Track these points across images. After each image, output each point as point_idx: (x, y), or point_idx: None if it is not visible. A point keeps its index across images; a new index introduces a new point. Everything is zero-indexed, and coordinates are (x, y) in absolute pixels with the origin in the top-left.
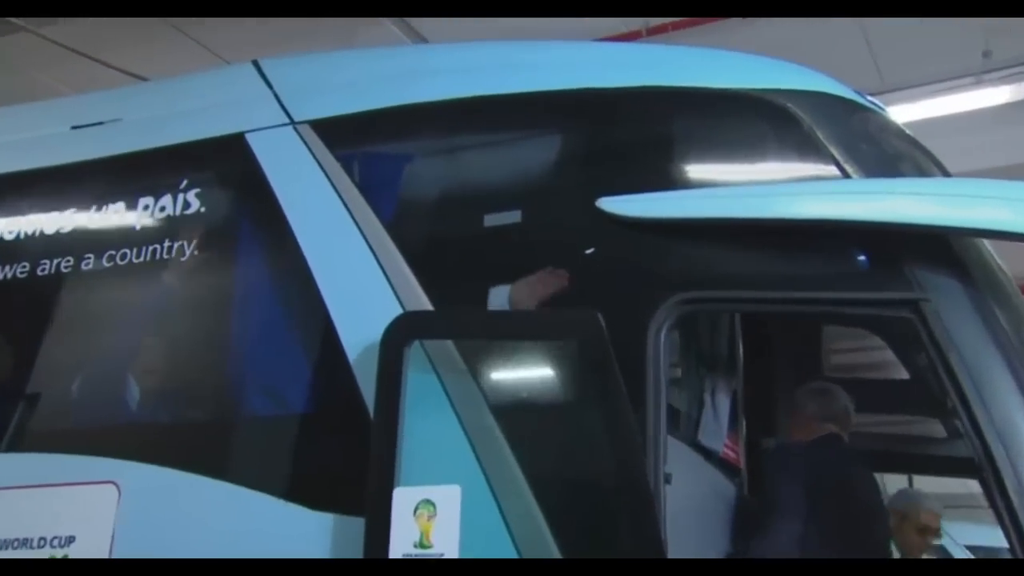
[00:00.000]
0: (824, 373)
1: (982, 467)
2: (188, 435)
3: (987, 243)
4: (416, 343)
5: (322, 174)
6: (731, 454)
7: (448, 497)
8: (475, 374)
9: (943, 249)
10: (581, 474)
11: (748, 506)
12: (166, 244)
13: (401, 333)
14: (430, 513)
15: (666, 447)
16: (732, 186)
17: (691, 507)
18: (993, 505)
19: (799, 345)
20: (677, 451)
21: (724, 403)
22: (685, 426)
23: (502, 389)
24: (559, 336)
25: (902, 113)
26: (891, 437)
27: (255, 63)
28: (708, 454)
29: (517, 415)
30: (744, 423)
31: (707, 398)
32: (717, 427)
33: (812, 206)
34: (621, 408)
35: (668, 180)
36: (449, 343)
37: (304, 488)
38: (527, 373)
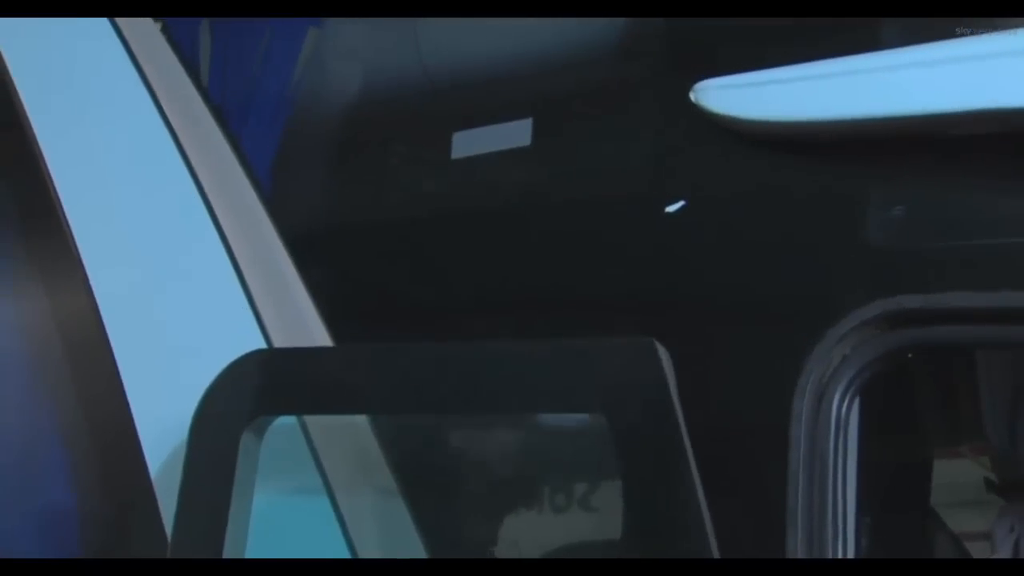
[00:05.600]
0: None
1: None
2: None
3: None
4: (273, 423)
5: (126, 58)
6: None
7: None
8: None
9: None
10: None
11: None
12: None
13: (234, 401)
14: None
15: None
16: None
17: None
18: None
19: None
20: None
21: None
22: None
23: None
24: (568, 400)
25: None
26: None
27: None
28: None
29: None
30: None
31: (999, 544)
32: None
33: None
34: (687, 533)
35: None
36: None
37: None
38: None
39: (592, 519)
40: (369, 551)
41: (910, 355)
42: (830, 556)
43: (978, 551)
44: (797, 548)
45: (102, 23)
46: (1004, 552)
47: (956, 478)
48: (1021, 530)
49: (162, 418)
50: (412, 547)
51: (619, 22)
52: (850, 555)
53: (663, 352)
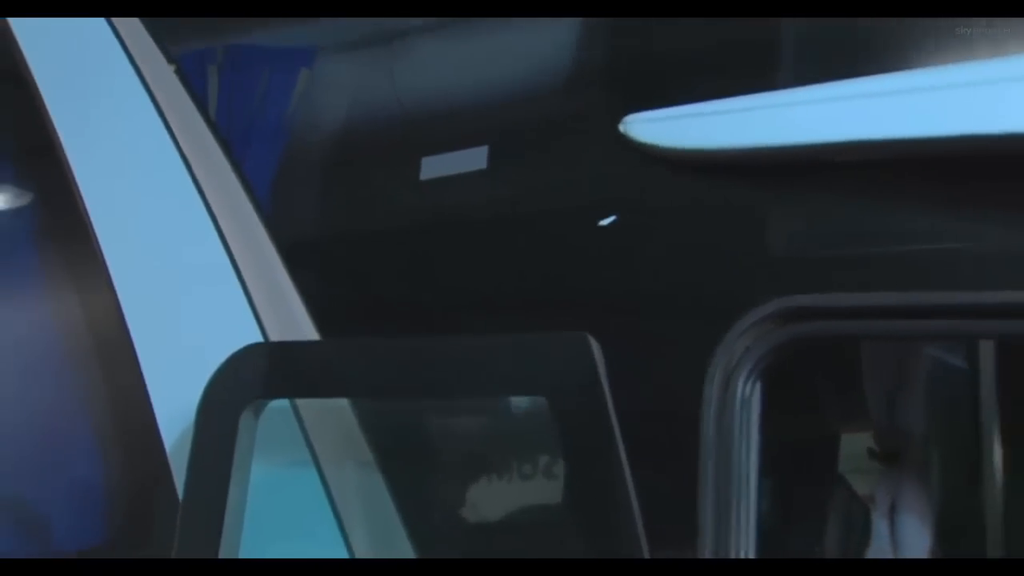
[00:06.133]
0: None
1: None
2: None
3: None
4: (270, 406)
5: (143, 92)
6: None
7: None
8: (384, 461)
9: None
10: None
11: None
12: None
13: (234, 387)
14: None
15: None
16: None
17: None
18: None
19: None
20: None
21: (917, 532)
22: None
23: (424, 487)
24: (513, 385)
25: None
26: None
27: None
28: None
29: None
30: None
31: (880, 523)
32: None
33: None
34: (615, 517)
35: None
36: (344, 404)
37: None
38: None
39: (549, 486)
40: (351, 514)
41: (804, 346)
42: (735, 518)
43: (863, 510)
44: (708, 510)
45: (126, 67)
46: (881, 510)
47: (847, 449)
48: (895, 493)
49: (176, 402)
50: (388, 511)
51: (562, 65)
52: (752, 516)
53: (595, 344)
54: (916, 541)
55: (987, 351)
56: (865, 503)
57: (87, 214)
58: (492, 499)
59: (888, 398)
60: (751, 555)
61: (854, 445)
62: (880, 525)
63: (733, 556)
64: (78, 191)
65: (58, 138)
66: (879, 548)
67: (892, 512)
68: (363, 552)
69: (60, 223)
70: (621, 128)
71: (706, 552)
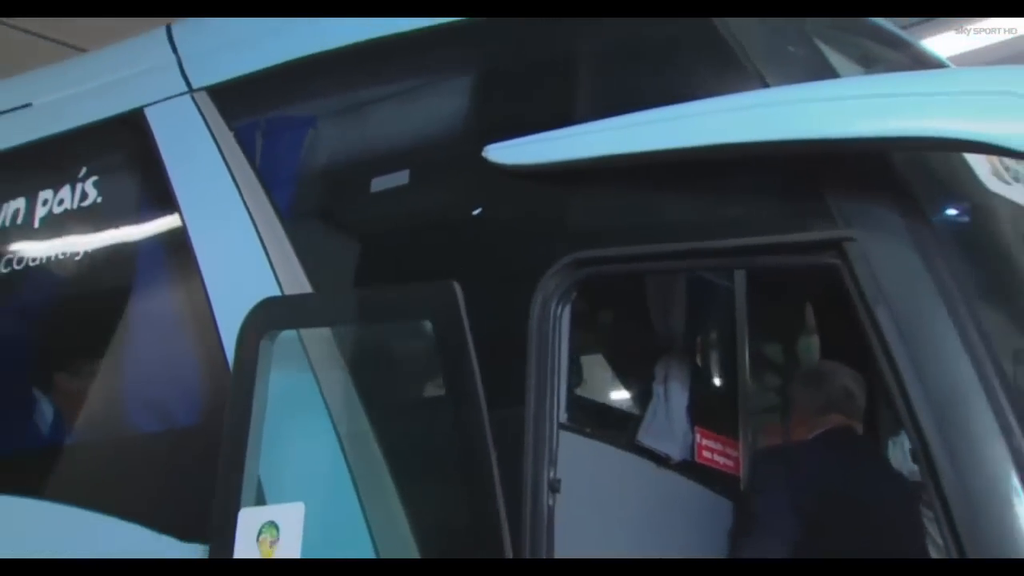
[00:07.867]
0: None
1: (917, 458)
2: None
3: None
4: (286, 334)
5: (216, 150)
6: (723, 460)
7: (291, 518)
8: (351, 367)
9: (876, 170)
10: (441, 477)
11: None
12: (60, 243)
13: (256, 324)
14: (272, 538)
15: (555, 446)
16: (630, 114)
17: (618, 523)
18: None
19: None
20: (595, 455)
21: (679, 394)
22: (630, 425)
23: (376, 382)
24: (410, 315)
25: None
26: None
27: (168, 27)
28: (663, 460)
29: (389, 410)
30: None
31: (657, 388)
32: (669, 424)
33: (693, 129)
34: (466, 396)
35: (566, 115)
36: (327, 331)
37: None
38: (400, 363)
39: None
40: (334, 397)
41: (596, 281)
42: (549, 389)
43: (646, 380)
44: (532, 385)
45: (206, 135)
46: (658, 379)
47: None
48: (667, 369)
49: (232, 337)
50: (354, 395)
51: (456, 122)
52: (563, 388)
53: (457, 287)
54: (678, 397)
55: (740, 275)
56: (646, 376)
57: (189, 234)
58: (410, 380)
59: (664, 308)
60: (562, 412)
61: (640, 341)
62: (657, 390)
63: (548, 412)
64: (184, 219)
65: (172, 187)
66: (656, 404)
67: (665, 380)
68: (338, 412)
69: (173, 240)
70: (484, 154)
71: (530, 408)
